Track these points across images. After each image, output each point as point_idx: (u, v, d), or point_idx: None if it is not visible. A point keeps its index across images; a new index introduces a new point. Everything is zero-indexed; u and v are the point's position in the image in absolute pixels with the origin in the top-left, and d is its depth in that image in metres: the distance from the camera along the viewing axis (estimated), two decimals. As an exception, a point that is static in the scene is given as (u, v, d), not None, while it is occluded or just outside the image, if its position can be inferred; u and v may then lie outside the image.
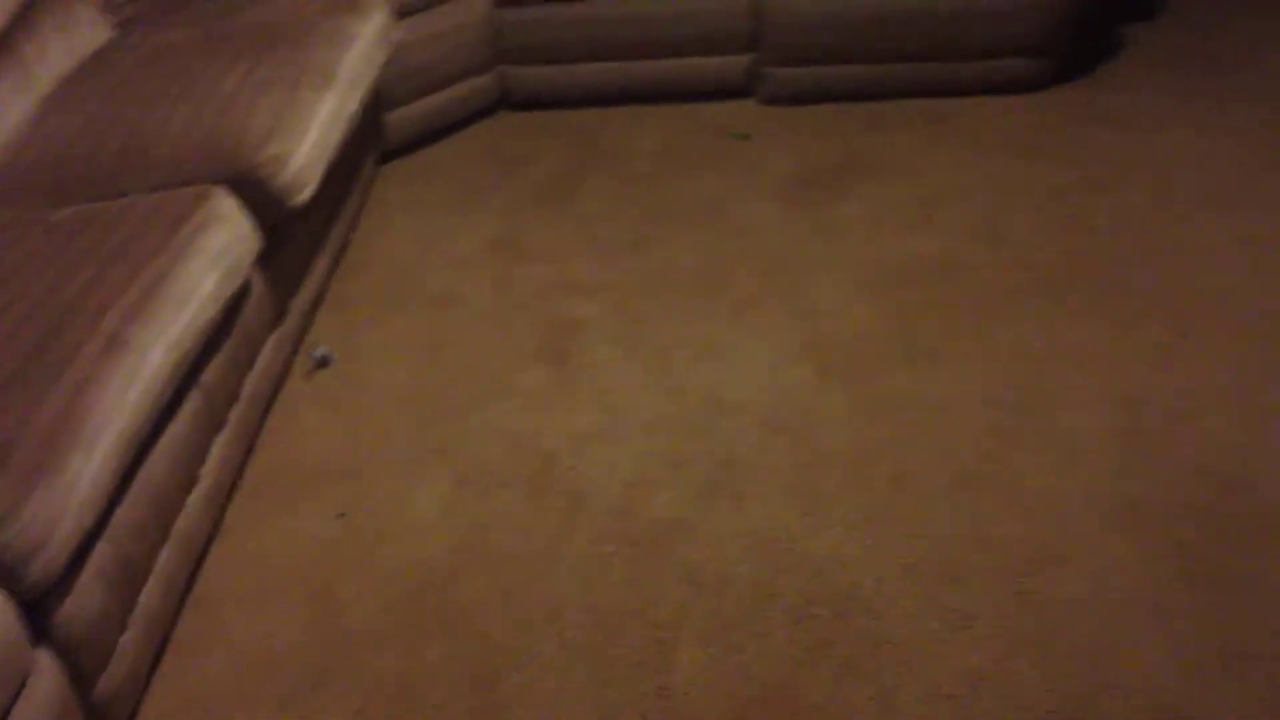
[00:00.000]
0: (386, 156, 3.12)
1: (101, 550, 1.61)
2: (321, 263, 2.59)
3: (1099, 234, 2.64)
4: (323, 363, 2.45)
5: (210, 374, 1.97)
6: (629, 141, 3.15)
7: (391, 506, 2.11)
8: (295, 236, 2.35)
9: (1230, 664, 1.67)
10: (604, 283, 2.64)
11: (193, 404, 1.90)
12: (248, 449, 2.20)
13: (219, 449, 2.02)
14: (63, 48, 2.54)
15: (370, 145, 2.96)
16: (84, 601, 1.57)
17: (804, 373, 2.32)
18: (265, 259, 2.18)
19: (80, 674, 1.56)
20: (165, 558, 1.81)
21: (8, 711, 1.40)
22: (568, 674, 1.77)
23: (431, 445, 2.24)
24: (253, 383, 2.17)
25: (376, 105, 2.92)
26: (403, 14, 2.87)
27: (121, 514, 1.67)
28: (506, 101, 3.31)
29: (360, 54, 2.49)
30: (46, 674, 1.49)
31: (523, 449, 2.21)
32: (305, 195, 2.18)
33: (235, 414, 2.09)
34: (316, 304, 2.61)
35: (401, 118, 3.06)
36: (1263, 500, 1.93)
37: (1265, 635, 1.71)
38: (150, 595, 1.76)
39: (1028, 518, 1.94)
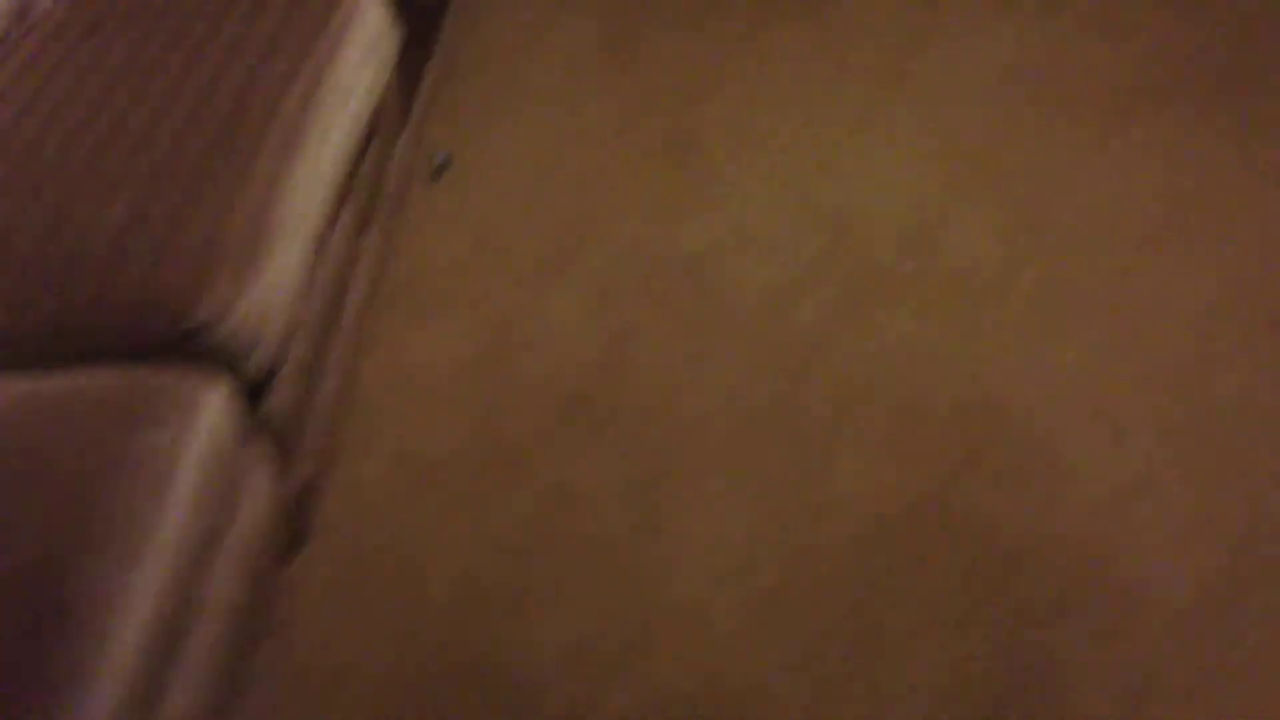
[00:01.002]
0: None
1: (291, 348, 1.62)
2: (434, 63, 2.50)
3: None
4: (444, 165, 2.40)
5: (362, 172, 1.93)
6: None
7: (531, 317, 2.12)
8: (423, 32, 2.26)
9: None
10: (721, 83, 2.55)
11: (351, 202, 1.87)
12: (387, 254, 2.18)
13: (366, 253, 2.00)
14: None
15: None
16: (282, 397, 1.58)
17: (936, 178, 2.27)
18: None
19: (282, 469, 1.59)
20: (332, 360, 1.82)
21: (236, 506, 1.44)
22: (723, 480, 1.81)
23: (562, 253, 2.22)
24: (390, 183, 2.13)
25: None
26: None
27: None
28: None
29: None
30: (259, 467, 1.52)
31: (656, 257, 2.20)
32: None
33: (378, 215, 2.06)
34: (431, 105, 2.54)
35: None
36: None
37: None
38: (324, 397, 1.78)
39: (1184, 324, 1.95)
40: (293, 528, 1.65)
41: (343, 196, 1.80)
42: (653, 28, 2.73)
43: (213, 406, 1.36)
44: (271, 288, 1.47)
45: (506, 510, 1.82)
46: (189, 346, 1.39)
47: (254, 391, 1.49)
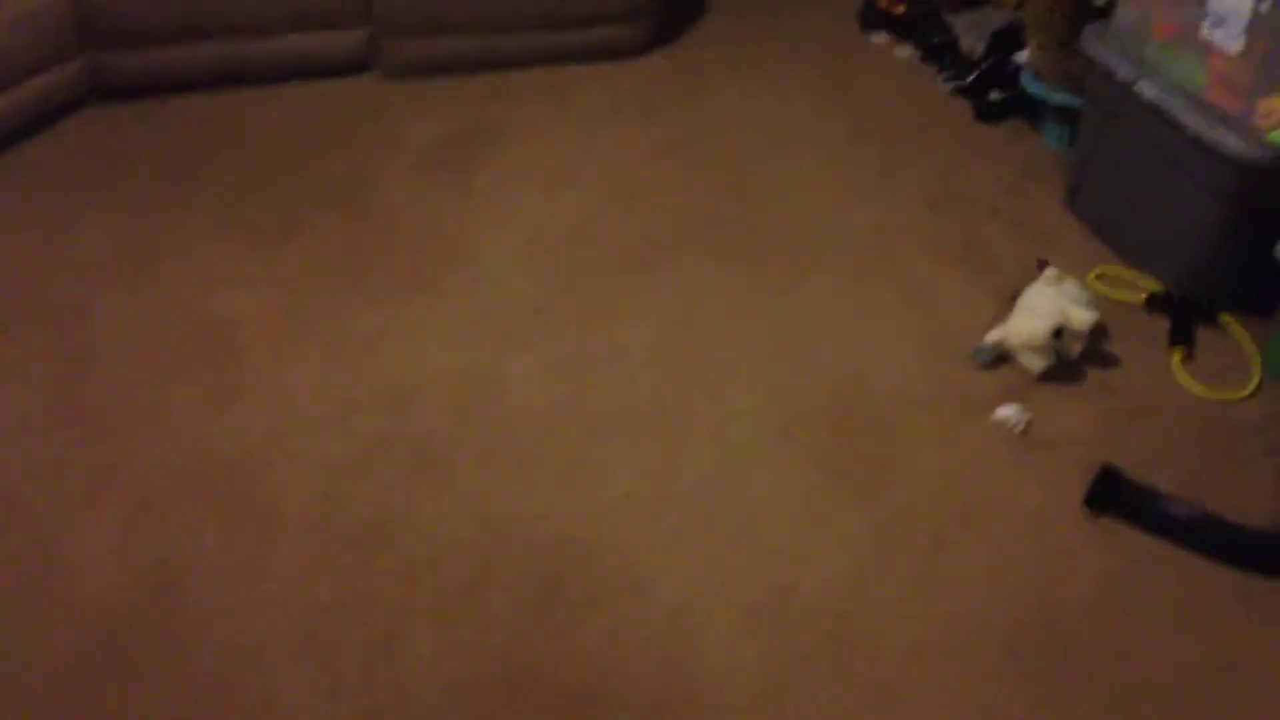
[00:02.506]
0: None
1: None
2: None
3: (711, 187, 2.90)
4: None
5: None
6: (250, 125, 3.01)
7: (53, 550, 1.93)
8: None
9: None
10: (253, 276, 2.53)
11: None
12: None
13: None
14: None
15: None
16: None
17: (484, 345, 2.37)
18: None
19: None
20: None
21: None
22: (293, 692, 1.73)
23: (91, 475, 2.06)
24: None
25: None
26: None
27: None
28: (99, 91, 3.02)
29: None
30: None
31: (201, 461, 2.10)
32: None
33: None
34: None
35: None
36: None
37: (909, 512, 2.02)
38: None
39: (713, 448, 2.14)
40: None
41: None
42: (174, 225, 2.66)
43: None
44: None
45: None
46: None
47: None
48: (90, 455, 2.10)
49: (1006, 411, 2.21)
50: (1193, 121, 2.27)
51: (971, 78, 3.16)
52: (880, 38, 3.50)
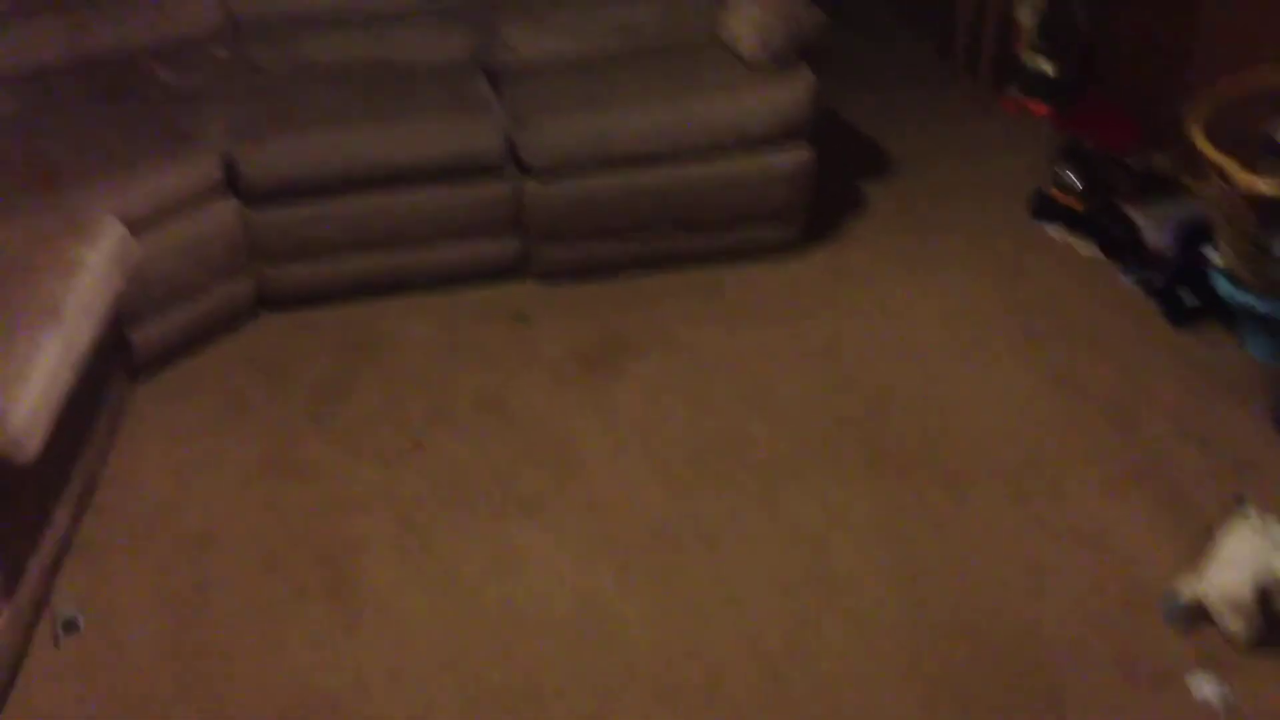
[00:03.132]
0: (139, 373, 2.88)
1: None
2: (63, 511, 2.33)
3: (860, 393, 2.71)
4: (71, 626, 2.19)
5: None
6: (400, 336, 3.05)
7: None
8: (26, 491, 2.11)
9: None
10: (381, 495, 2.50)
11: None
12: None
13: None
14: None
15: (117, 366, 2.73)
16: None
17: (603, 575, 2.24)
18: (-12, 527, 1.94)
19: None
20: None
21: None
22: None
23: (202, 705, 2.01)
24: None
25: (121, 322, 2.71)
26: (138, 230, 2.69)
27: None
28: (267, 303, 3.15)
29: (91, 283, 2.31)
30: None
31: (305, 698, 2.02)
32: (29, 453, 1.96)
33: None
34: (61, 557, 2.35)
35: (151, 332, 2.84)
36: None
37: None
38: None
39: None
40: None
41: None
42: (317, 441, 2.68)
43: None
44: None
45: None
46: None
47: None
48: (201, 689, 2.06)
49: (1204, 691, 1.87)
50: None
51: (1159, 277, 2.89)
52: (1055, 230, 3.27)
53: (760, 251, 3.27)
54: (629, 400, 2.76)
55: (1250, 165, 2.42)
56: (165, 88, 3.21)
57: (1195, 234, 2.82)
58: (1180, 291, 2.84)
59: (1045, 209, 3.31)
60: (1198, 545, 2.09)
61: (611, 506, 2.42)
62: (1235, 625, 1.95)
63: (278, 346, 3.02)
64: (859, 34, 4.67)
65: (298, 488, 2.54)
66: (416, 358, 2.96)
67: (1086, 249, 3.17)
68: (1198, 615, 2.01)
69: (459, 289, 3.20)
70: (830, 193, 3.38)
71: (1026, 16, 3.83)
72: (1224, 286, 2.60)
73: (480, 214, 3.13)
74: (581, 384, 2.82)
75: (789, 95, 3.07)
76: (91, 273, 2.31)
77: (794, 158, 3.15)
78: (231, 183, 2.95)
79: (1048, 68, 3.81)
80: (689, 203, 3.17)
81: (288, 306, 3.14)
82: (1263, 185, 2.38)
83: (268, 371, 2.92)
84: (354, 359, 2.96)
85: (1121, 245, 3.06)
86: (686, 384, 2.80)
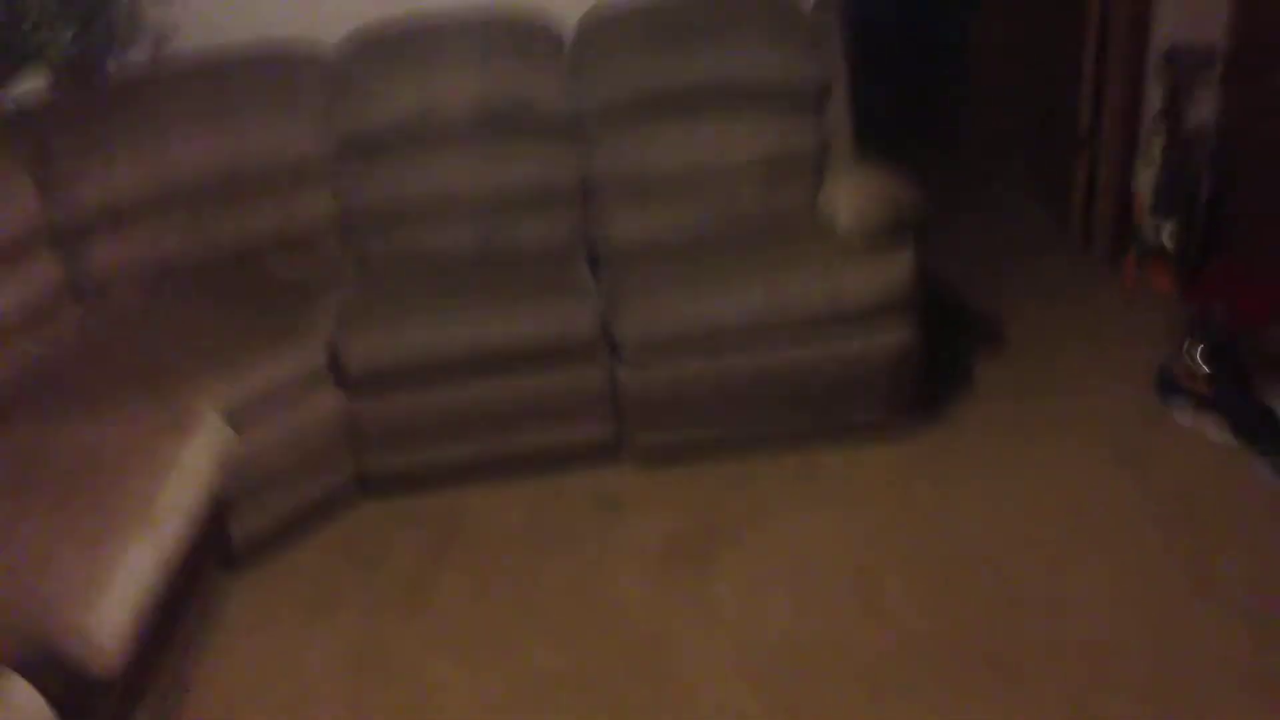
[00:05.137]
0: (235, 562, 2.90)
1: None
2: (145, 714, 2.31)
3: (976, 590, 2.53)
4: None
5: None
6: (491, 523, 3.01)
7: None
8: (109, 697, 2.10)
9: None
10: (463, 699, 2.41)
11: None
12: None
13: None
14: None
15: (212, 558, 2.75)
16: None
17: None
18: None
19: None
20: None
21: None
22: None
23: None
24: None
25: (219, 513, 2.74)
26: (242, 422, 2.74)
27: None
28: (363, 491, 3.16)
29: (185, 482, 2.34)
30: None
31: None
32: (112, 666, 1.95)
33: None
34: None
35: (249, 523, 2.87)
36: None
37: None
38: None
39: None
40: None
41: None
42: (405, 635, 2.63)
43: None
44: None
45: None
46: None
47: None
48: None
49: None
50: None
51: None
52: (1183, 411, 3.06)
53: (864, 432, 3.15)
54: (726, 594, 2.64)
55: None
56: (277, 279, 3.33)
57: (1340, 419, 2.61)
58: (1328, 482, 2.61)
59: (1172, 389, 3.11)
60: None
61: (706, 716, 2.28)
62: None
63: (371, 535, 3.01)
64: (974, 201, 4.61)
65: (382, 687, 2.48)
66: (506, 547, 2.90)
67: (1218, 432, 2.95)
68: None
69: (551, 473, 3.16)
70: (939, 369, 3.26)
71: (1145, 185, 3.70)
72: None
73: (575, 398, 3.11)
74: (675, 576, 2.72)
75: (889, 274, 3.00)
76: (187, 471, 2.34)
77: (896, 336, 3.05)
78: (334, 372, 3.01)
79: (1168, 237, 3.67)
80: (788, 383, 3.09)
81: (383, 493, 3.14)
82: None
83: (359, 561, 2.90)
84: (444, 548, 2.92)
85: (1255, 429, 2.83)
86: (787, 576, 2.67)
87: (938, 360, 3.22)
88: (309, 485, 2.99)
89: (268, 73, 3.44)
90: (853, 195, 3.20)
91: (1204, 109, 3.67)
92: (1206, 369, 3.02)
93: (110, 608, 1.98)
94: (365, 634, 2.65)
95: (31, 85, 3.36)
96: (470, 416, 3.10)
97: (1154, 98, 3.73)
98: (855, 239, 3.09)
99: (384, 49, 3.49)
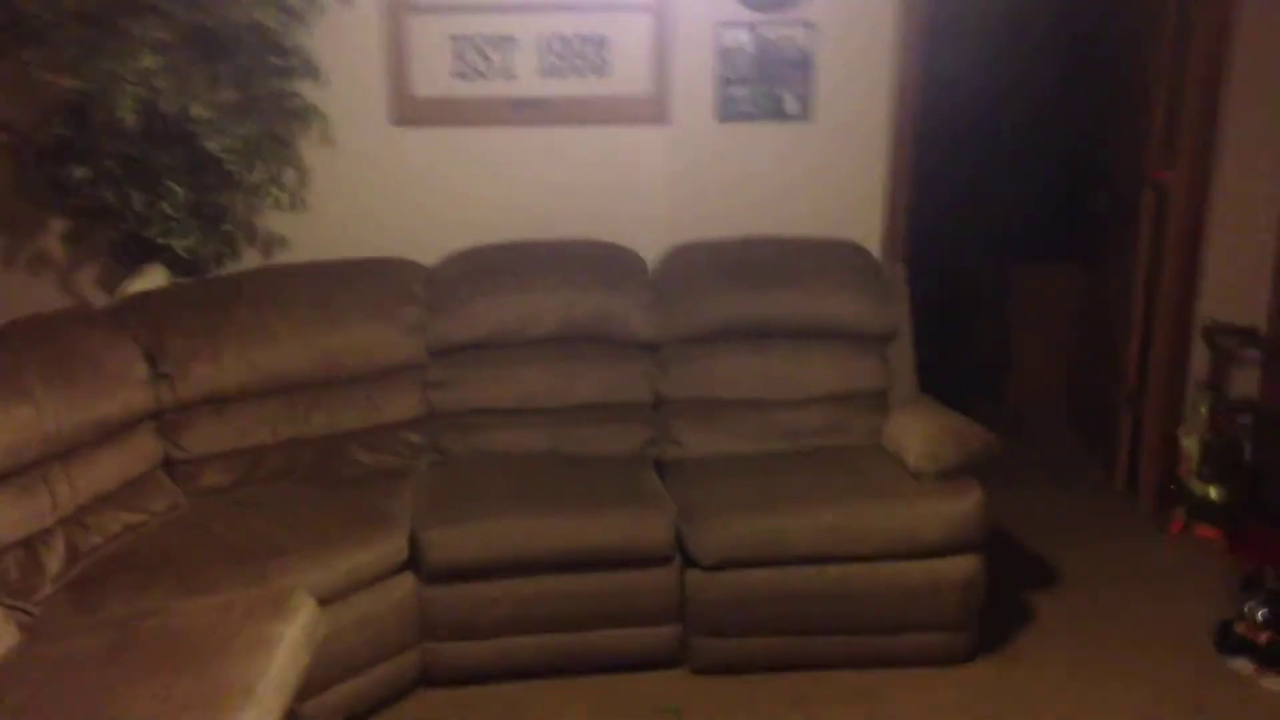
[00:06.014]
0: (295, 746, 2.89)
1: None
2: None
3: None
4: None
5: None
6: (554, 722, 3.01)
7: None
8: None
9: None
10: None
11: None
12: None
13: None
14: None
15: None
16: None
17: None
18: None
19: None
20: None
21: None
22: None
23: None
24: None
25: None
26: (325, 605, 2.81)
27: None
28: (426, 680, 3.18)
29: (285, 660, 2.39)
30: None
31: None
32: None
33: None
34: None
35: (316, 706, 2.88)
36: None
37: None
38: None
39: None
40: None
41: None
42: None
43: None
44: None
45: None
46: None
47: None
48: None
49: None
50: None
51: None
52: (1243, 665, 3.10)
53: (924, 658, 3.18)
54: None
55: None
56: (362, 468, 3.46)
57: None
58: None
59: (1230, 642, 3.16)
60: None
61: None
62: None
63: (433, 727, 3.01)
64: (1026, 443, 4.76)
65: None
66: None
67: (1277, 686, 2.98)
68: None
69: (612, 675, 3.18)
70: (996, 603, 3.32)
71: (1192, 444, 3.87)
72: None
73: (643, 603, 3.16)
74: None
75: (960, 508, 3.12)
76: (286, 649, 2.40)
77: (963, 567, 3.14)
78: (412, 561, 3.09)
79: (1214, 493, 3.80)
80: (853, 604, 3.16)
81: (446, 684, 3.16)
82: None
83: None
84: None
85: (1319, 686, 2.87)
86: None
87: (995, 592, 3.29)
88: (376, 670, 3.02)
89: (372, 282, 3.67)
90: (922, 433, 3.36)
91: (1246, 382, 3.88)
92: (1263, 625, 3.08)
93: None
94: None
95: (153, 277, 3.61)
96: (538, 614, 3.15)
97: (1197, 365, 3.95)
98: (927, 474, 3.23)
99: (482, 268, 3.74)
